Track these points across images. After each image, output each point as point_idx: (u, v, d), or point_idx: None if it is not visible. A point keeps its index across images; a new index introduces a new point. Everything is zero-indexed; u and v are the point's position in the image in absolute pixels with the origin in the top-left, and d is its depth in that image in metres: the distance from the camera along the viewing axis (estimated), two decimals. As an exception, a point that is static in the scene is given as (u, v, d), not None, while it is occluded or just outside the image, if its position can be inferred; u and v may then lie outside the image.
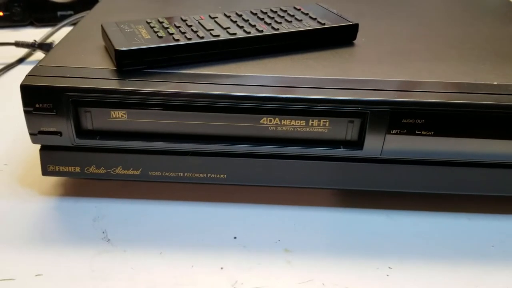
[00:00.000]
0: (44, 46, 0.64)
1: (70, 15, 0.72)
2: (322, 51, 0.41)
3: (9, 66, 0.63)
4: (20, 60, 0.65)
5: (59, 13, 0.78)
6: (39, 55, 0.66)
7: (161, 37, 0.38)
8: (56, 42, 0.64)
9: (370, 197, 0.42)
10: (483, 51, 0.42)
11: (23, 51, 0.66)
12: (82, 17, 0.67)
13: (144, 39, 0.37)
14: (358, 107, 0.34)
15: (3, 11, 0.76)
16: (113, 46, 0.36)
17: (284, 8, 0.44)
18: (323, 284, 0.33)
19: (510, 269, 0.35)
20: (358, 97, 0.34)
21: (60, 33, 0.67)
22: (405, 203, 0.41)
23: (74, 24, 0.68)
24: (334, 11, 0.44)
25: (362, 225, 0.39)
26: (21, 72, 0.63)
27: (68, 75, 0.35)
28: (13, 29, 0.78)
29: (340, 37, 0.42)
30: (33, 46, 0.63)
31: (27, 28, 0.78)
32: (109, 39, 0.37)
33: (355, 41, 0.43)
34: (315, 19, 0.42)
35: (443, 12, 0.54)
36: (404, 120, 0.35)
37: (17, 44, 0.63)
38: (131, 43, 0.36)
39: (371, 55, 0.41)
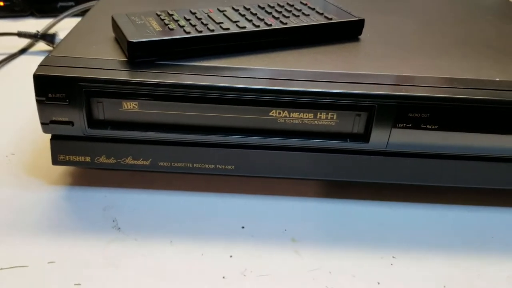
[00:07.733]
0: (46, 36, 0.64)
1: (71, 6, 0.72)
2: (329, 46, 0.41)
3: (12, 56, 0.63)
4: (23, 51, 0.65)
5: (59, 4, 0.78)
6: (41, 45, 0.66)
7: (172, 29, 0.38)
8: (59, 32, 0.64)
9: (374, 189, 0.43)
10: (486, 48, 0.43)
11: (25, 42, 0.66)
12: (84, 8, 0.67)
13: (156, 31, 0.37)
14: (365, 101, 0.35)
15: (3, 1, 0.76)
16: (125, 38, 0.36)
17: (290, 2, 0.45)
18: (330, 272, 0.34)
19: (509, 259, 0.36)
20: (365, 91, 0.35)
21: (62, 24, 0.67)
22: (408, 195, 0.42)
23: (75, 15, 0.68)
24: (340, 6, 0.45)
25: (367, 217, 0.40)
26: (24, 63, 0.63)
27: (81, 66, 0.36)
28: (13, 19, 0.77)
29: (347, 32, 0.43)
30: (35, 37, 0.64)
31: (28, 18, 0.78)
32: (120, 30, 0.38)
33: (360, 36, 0.44)
34: (322, 14, 0.43)
35: (445, 9, 0.55)
36: (410, 114, 0.36)
37: (20, 34, 0.63)
38: (143, 35, 0.37)
39: (377, 50, 0.42)
